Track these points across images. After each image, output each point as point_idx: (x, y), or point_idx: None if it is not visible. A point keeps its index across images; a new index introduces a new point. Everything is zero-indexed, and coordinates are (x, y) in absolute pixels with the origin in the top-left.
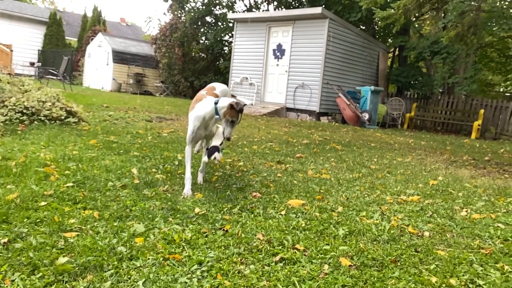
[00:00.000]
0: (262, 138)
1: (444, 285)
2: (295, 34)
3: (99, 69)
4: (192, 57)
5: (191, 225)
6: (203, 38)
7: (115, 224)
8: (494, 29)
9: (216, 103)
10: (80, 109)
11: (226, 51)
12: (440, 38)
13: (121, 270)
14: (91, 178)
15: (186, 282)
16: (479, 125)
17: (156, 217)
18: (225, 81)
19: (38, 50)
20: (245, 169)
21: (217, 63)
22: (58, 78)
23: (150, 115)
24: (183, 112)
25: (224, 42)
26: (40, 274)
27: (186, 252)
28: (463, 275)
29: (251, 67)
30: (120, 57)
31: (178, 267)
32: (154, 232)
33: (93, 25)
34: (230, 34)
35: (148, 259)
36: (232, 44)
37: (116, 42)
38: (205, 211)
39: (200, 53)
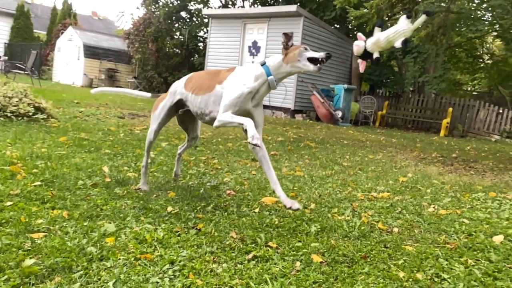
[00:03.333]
0: (237, 136)
1: (411, 279)
2: (270, 31)
3: (69, 64)
4: (166, 53)
5: (164, 224)
6: (178, 33)
7: (85, 224)
8: (462, 30)
9: (263, 63)
10: (49, 105)
11: (201, 47)
12: (411, 38)
13: (90, 271)
14: (61, 176)
15: (157, 282)
16: (447, 123)
17: (128, 216)
18: None
19: (5, 43)
20: (219, 167)
21: (192, 59)
22: (26, 72)
23: (122, 111)
24: None
25: (199, 38)
26: (6, 276)
27: (158, 252)
28: (429, 270)
29: (226, 63)
30: (91, 52)
31: (149, 267)
32: (125, 231)
33: (63, 18)
34: (205, 30)
35: (119, 259)
36: (207, 40)
37: (87, 36)
38: (178, 209)
39: (174, 49)
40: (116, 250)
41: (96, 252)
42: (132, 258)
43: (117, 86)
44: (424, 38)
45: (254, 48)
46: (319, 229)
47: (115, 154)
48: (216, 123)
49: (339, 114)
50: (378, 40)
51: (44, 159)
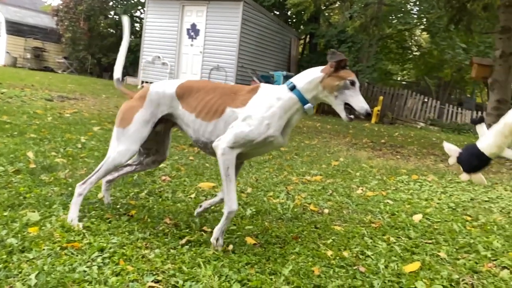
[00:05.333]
0: None
1: (338, 257)
2: (209, 15)
3: None
4: (99, 33)
5: (94, 211)
6: (112, 12)
7: (5, 213)
8: (393, 22)
9: (292, 88)
10: None
11: (137, 28)
12: (346, 28)
13: (10, 264)
14: None
15: (85, 271)
16: (378, 110)
17: (54, 204)
18: (136, 59)
19: None
20: None
21: None
22: None
23: (50, 93)
24: (88, 91)
25: (135, 18)
26: None
27: (87, 240)
28: (355, 248)
29: (164, 46)
30: (15, 28)
31: (77, 255)
32: (51, 220)
33: None
34: (142, 10)
35: (43, 249)
36: (144, 20)
37: (9, 11)
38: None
39: (109, 29)
40: (40, 240)
41: (17, 243)
42: (58, 248)
43: (45, 67)
44: (358, 28)
45: (193, 31)
46: (254, 212)
47: (42, 138)
48: (216, 150)
49: None
50: (502, 134)
51: None
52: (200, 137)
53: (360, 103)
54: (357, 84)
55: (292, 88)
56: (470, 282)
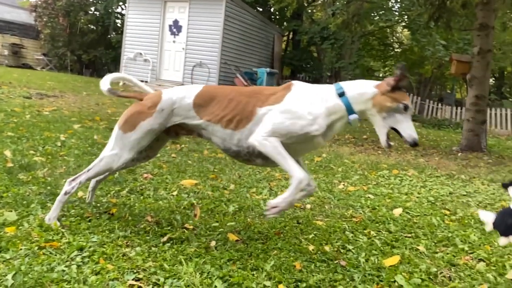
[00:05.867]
0: None
1: (319, 252)
2: (192, 11)
3: None
4: (79, 29)
5: (73, 210)
6: (92, 8)
7: None
8: (375, 19)
9: (341, 94)
10: None
11: (118, 24)
12: (329, 25)
13: None
14: None
15: (64, 270)
16: None
17: (32, 203)
18: (117, 56)
19: None
20: None
21: (109, 36)
22: None
23: (29, 91)
24: (68, 88)
25: (116, 14)
26: None
27: (66, 239)
28: (336, 242)
29: (146, 42)
30: None
31: (55, 255)
32: (28, 219)
33: None
34: (123, 7)
35: (21, 249)
36: (125, 16)
37: None
38: None
39: (89, 25)
40: (17, 240)
41: None
42: (36, 248)
43: (23, 63)
44: (341, 25)
45: (176, 28)
46: (237, 209)
47: (20, 137)
48: (255, 143)
49: None
50: None
51: None
52: (231, 146)
53: (409, 131)
54: (411, 110)
55: (341, 94)
56: (448, 275)
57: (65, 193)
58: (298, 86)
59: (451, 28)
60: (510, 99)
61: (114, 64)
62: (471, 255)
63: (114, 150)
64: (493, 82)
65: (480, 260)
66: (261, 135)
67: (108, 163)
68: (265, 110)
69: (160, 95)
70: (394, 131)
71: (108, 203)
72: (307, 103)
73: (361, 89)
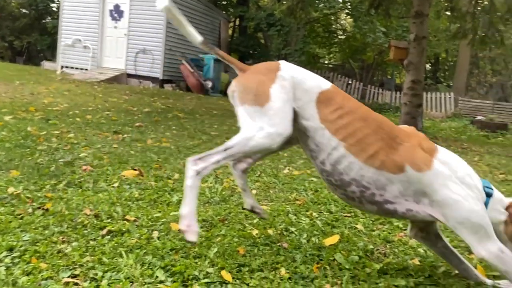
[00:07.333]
0: (98, 107)
1: (263, 236)
2: None
3: None
4: (10, 13)
5: (3, 207)
6: None
7: None
8: (320, 6)
9: (489, 195)
10: None
11: (54, 8)
12: (274, 11)
13: None
14: None
15: None
16: None
17: None
18: (54, 42)
19: None
20: (75, 141)
21: (43, 21)
22: None
23: None
24: None
25: None
26: None
27: None
28: (279, 225)
29: (85, 28)
30: None
31: None
32: None
33: None
34: None
35: None
36: (61, 0)
37: None
38: (21, 190)
39: (21, 9)
40: None
41: None
42: None
43: None
44: (286, 11)
45: (117, 13)
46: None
47: None
48: (488, 257)
49: (209, 84)
50: None
51: None
52: (343, 177)
53: None
54: None
55: (489, 194)
56: (383, 251)
57: (196, 174)
58: (444, 155)
59: (390, 16)
60: (445, 84)
61: (50, 51)
62: (405, 231)
63: (264, 129)
64: (429, 67)
65: None
66: (493, 248)
67: (265, 142)
68: (414, 174)
69: (278, 66)
70: None
71: (43, 198)
72: (467, 186)
73: (499, 206)
